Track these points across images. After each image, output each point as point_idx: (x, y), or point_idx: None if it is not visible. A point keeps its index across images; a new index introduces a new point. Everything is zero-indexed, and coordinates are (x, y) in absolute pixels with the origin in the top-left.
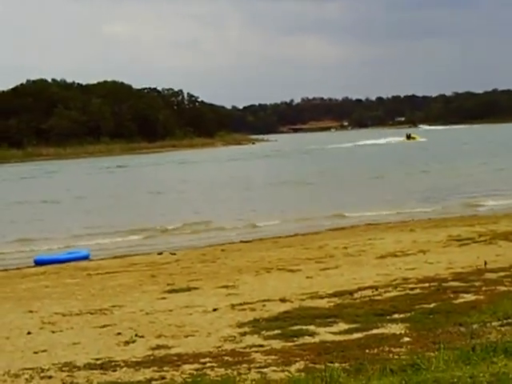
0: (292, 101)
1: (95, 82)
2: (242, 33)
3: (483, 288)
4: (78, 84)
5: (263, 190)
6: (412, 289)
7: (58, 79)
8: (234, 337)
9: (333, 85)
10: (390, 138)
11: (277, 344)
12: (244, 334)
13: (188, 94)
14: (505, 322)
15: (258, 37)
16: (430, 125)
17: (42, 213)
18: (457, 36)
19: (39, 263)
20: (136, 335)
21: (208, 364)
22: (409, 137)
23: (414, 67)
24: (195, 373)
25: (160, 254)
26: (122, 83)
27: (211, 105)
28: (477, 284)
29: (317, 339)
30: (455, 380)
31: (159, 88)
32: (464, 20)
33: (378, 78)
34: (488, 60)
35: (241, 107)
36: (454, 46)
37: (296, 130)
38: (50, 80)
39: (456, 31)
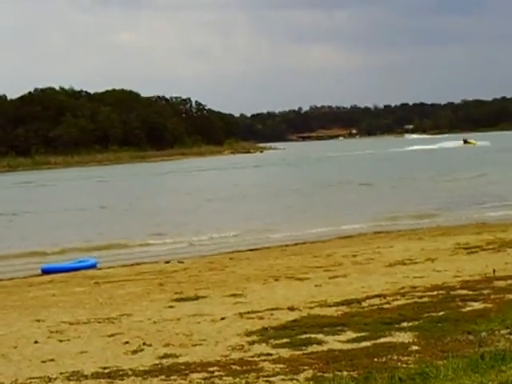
0: (300, 109)
1: (104, 90)
2: (251, 41)
3: (492, 296)
4: (86, 92)
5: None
6: (420, 297)
7: (66, 87)
8: (242, 345)
9: (341, 93)
10: (442, 143)
11: (285, 353)
12: (252, 342)
13: (196, 102)
14: None
15: (267, 45)
16: (419, 134)
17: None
18: (465, 43)
19: (46, 272)
20: (144, 344)
21: (216, 373)
22: (466, 141)
23: (423, 75)
24: (203, 382)
25: (167, 262)
26: (131, 91)
27: (220, 113)
28: (485, 292)
29: (325, 348)
30: None
31: (167, 96)
32: (472, 27)
33: (386, 85)
34: (496, 67)
35: (249, 115)
36: (463, 53)
37: (304, 138)
38: (58, 88)
39: (465, 38)
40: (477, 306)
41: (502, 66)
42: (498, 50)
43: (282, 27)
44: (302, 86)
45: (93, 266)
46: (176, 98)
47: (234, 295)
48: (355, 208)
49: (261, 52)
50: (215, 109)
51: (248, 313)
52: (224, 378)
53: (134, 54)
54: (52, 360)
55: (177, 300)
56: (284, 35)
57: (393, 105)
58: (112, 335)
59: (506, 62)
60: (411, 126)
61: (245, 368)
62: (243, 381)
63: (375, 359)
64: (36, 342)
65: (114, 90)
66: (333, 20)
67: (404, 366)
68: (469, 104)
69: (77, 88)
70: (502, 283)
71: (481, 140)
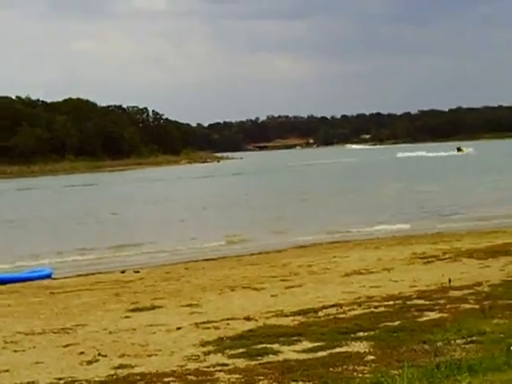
0: (257, 118)
1: (61, 99)
2: (208, 50)
3: (447, 306)
4: (43, 101)
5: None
6: (376, 307)
7: (23, 96)
8: (198, 356)
9: (298, 103)
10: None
11: (241, 363)
12: (208, 352)
13: (153, 111)
14: (469, 339)
15: (225, 54)
16: (357, 144)
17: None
18: (422, 54)
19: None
20: (99, 354)
21: (171, 383)
22: (459, 149)
23: (380, 85)
24: None
25: (123, 272)
26: (87, 101)
27: (177, 122)
28: (441, 302)
29: (281, 358)
30: None
31: (124, 105)
32: (430, 38)
33: (343, 95)
34: (453, 78)
35: (206, 125)
36: (419, 63)
37: (261, 148)
38: (14, 97)
39: (421, 49)
40: (433, 315)
41: (458, 77)
42: (455, 61)
43: (240, 37)
44: (260, 95)
45: (48, 276)
46: (133, 107)
47: (190, 305)
48: (312, 218)
49: (218, 61)
50: (172, 118)
51: (204, 323)
52: None
53: (91, 63)
54: (7, 371)
55: (132, 310)
56: (242, 45)
57: (350, 115)
58: (67, 345)
59: (463, 73)
60: (368, 136)
61: (200, 378)
62: None
63: (331, 369)
64: None
65: (70, 99)
66: (292, 30)
67: (360, 375)
68: (426, 114)
69: (33, 97)
70: (457, 293)
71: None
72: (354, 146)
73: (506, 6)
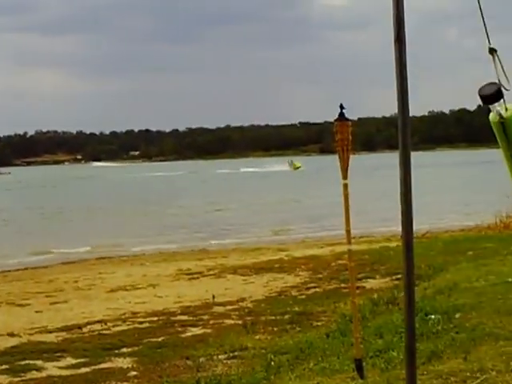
0: (26, 133)
1: None
2: None
3: (211, 321)
4: None
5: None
6: (141, 322)
7: None
8: None
9: (67, 118)
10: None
11: (4, 380)
12: None
13: None
14: (231, 354)
15: None
16: (104, 161)
17: None
18: (191, 72)
19: None
20: None
21: None
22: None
23: (150, 102)
24: None
25: None
26: None
27: None
28: (205, 317)
29: (44, 374)
30: None
31: None
32: (199, 56)
33: (112, 112)
34: (221, 97)
35: None
36: (188, 81)
37: (29, 163)
38: None
39: (191, 67)
40: (196, 331)
41: (227, 95)
42: (224, 79)
43: (7, 50)
44: (29, 110)
45: None
46: None
47: None
48: (77, 234)
49: None
50: None
51: None
52: None
53: None
54: None
55: None
56: (10, 58)
57: (119, 131)
58: None
59: (232, 91)
60: (137, 153)
61: None
62: None
63: None
64: None
65: None
66: (60, 45)
67: None
68: (194, 132)
69: None
70: (221, 308)
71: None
72: (101, 164)
73: (270, 27)
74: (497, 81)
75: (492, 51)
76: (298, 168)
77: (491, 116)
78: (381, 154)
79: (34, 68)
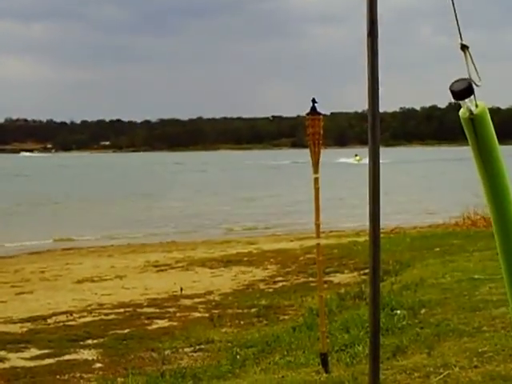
0: None
1: None
2: None
3: (177, 314)
4: None
5: None
6: (107, 314)
7: None
8: None
9: (38, 107)
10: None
11: None
12: None
13: None
14: (197, 347)
15: None
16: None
17: None
18: (163, 63)
19: None
20: None
21: None
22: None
23: (120, 92)
24: None
25: None
26: None
27: None
28: (171, 310)
29: (7, 365)
30: None
31: None
32: (170, 48)
33: (83, 101)
34: (194, 89)
35: None
36: (161, 72)
37: None
38: None
39: (163, 58)
40: (162, 323)
41: (199, 87)
42: (197, 71)
43: None
44: None
45: None
46: None
47: None
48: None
49: None
50: None
51: None
52: None
53: None
54: None
55: None
56: None
57: (90, 120)
58: None
59: (204, 84)
60: (108, 143)
61: None
62: None
63: (58, 376)
64: None
65: None
66: (29, 32)
67: (86, 383)
68: (166, 123)
69: None
70: (188, 301)
71: None
72: (28, 154)
73: (244, 19)
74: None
75: (464, 48)
76: (359, 160)
77: (461, 112)
78: (352, 149)
79: (5, 54)
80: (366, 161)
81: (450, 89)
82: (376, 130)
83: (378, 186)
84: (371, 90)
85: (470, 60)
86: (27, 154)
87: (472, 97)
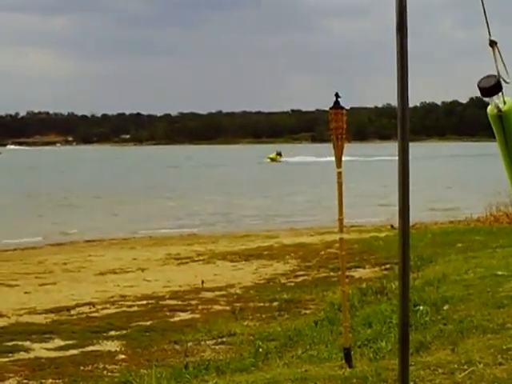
0: (17, 114)
1: None
2: None
3: (199, 306)
4: None
5: None
6: (129, 306)
7: None
8: None
9: (59, 100)
10: None
11: None
12: None
13: None
14: (219, 340)
15: None
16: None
17: None
18: (184, 56)
19: None
20: None
21: None
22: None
23: (141, 85)
24: None
25: None
26: None
27: None
28: (193, 303)
29: (32, 355)
30: None
31: None
32: (192, 41)
33: (104, 94)
34: (214, 82)
35: None
36: (181, 65)
37: (21, 144)
38: None
39: (183, 51)
40: (184, 316)
41: (219, 81)
42: (216, 65)
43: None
44: (19, 90)
45: None
46: None
47: None
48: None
49: None
50: None
51: None
52: None
53: None
54: None
55: None
56: (3, 37)
57: (110, 113)
58: None
59: (224, 77)
60: (128, 136)
61: None
62: None
63: (81, 367)
64: None
65: None
66: (51, 25)
67: (109, 374)
68: (185, 116)
69: None
70: (209, 294)
71: None
72: (13, 147)
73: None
74: (495, 73)
75: (492, 43)
76: (275, 160)
77: (489, 109)
78: (373, 144)
79: (27, 48)
80: (287, 158)
81: (477, 85)
82: (405, 126)
83: (408, 181)
84: (400, 89)
85: (498, 56)
86: (48, 147)
87: (500, 94)
